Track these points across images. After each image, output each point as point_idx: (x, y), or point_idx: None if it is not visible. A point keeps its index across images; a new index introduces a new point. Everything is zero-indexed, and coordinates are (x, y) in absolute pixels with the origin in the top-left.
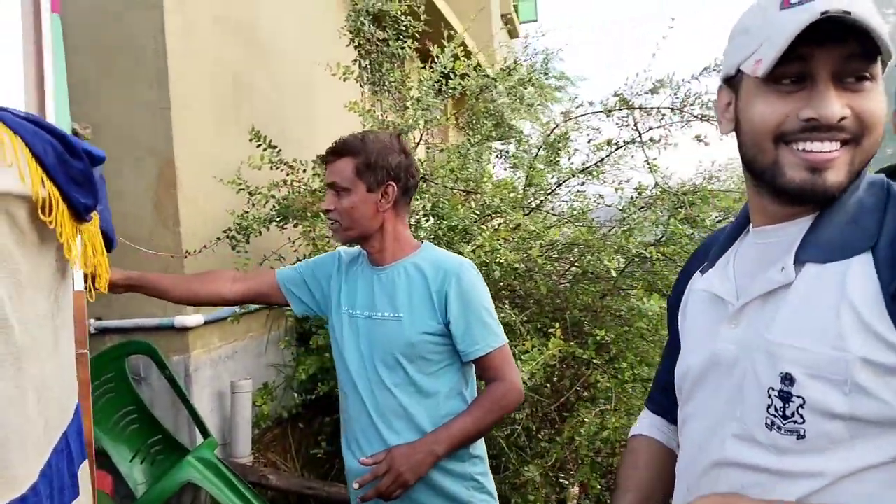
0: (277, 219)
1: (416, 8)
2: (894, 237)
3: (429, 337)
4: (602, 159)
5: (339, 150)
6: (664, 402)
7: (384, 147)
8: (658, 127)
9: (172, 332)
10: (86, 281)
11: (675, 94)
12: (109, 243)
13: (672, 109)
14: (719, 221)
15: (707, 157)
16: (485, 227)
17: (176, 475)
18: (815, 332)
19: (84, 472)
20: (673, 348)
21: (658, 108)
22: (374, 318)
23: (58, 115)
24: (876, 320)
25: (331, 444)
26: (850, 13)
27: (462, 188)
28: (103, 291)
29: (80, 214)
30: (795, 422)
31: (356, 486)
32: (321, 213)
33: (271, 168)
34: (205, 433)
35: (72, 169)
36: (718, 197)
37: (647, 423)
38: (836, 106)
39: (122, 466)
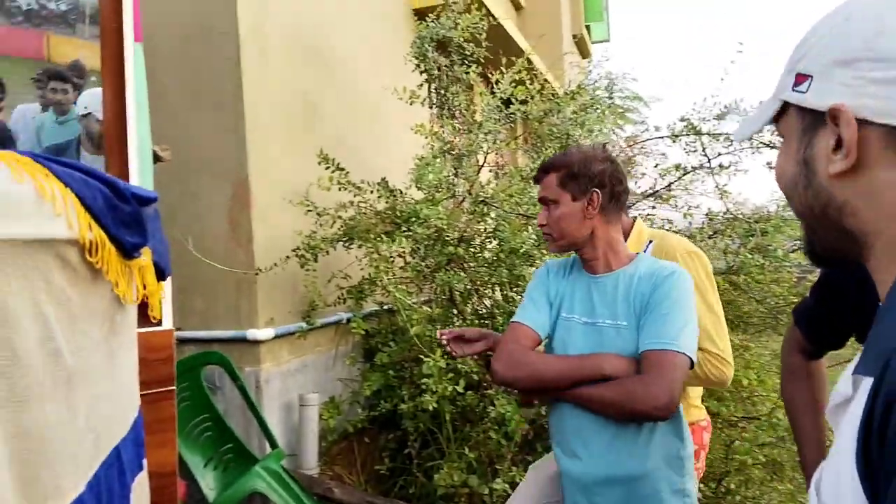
0: (343, 239)
1: (478, 35)
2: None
3: None
4: (670, 184)
5: (545, 167)
6: None
7: (586, 157)
8: (726, 153)
9: (245, 345)
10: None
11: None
12: (162, 275)
13: None
14: (793, 251)
15: None
16: (546, 251)
17: (244, 484)
18: (834, 482)
19: (139, 483)
20: None
21: (727, 134)
22: (595, 325)
23: (139, 139)
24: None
25: (394, 461)
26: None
27: (521, 213)
28: (157, 318)
29: (128, 252)
30: None
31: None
32: (382, 236)
33: (339, 189)
34: (273, 444)
35: (120, 212)
36: (792, 226)
37: None
38: None
39: (196, 472)
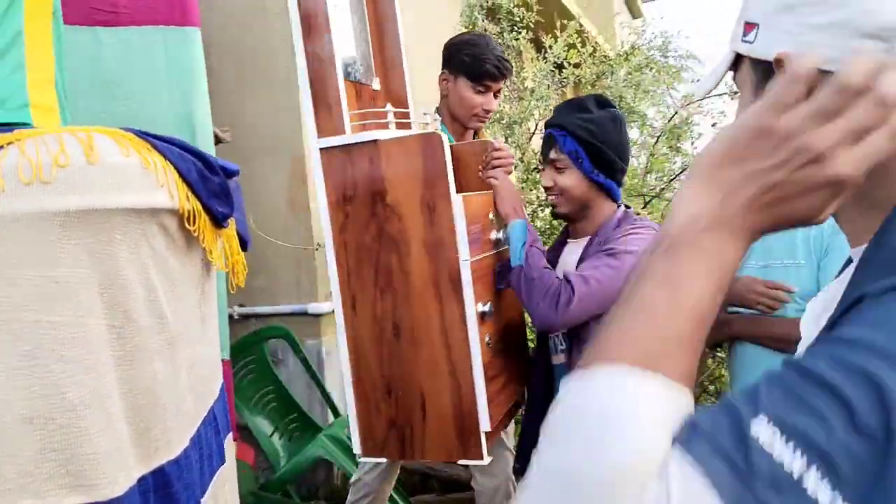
0: None
1: (528, 0)
2: None
3: None
4: None
5: None
6: None
7: None
8: None
9: (307, 318)
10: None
11: None
12: (244, 244)
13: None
14: None
15: None
16: None
17: (310, 451)
18: None
19: (229, 443)
20: None
21: None
22: (769, 268)
23: (201, 121)
24: None
25: None
26: None
27: None
28: (241, 286)
29: (218, 222)
30: None
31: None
32: None
33: None
34: (336, 413)
35: (211, 183)
36: None
37: None
38: None
39: (262, 441)
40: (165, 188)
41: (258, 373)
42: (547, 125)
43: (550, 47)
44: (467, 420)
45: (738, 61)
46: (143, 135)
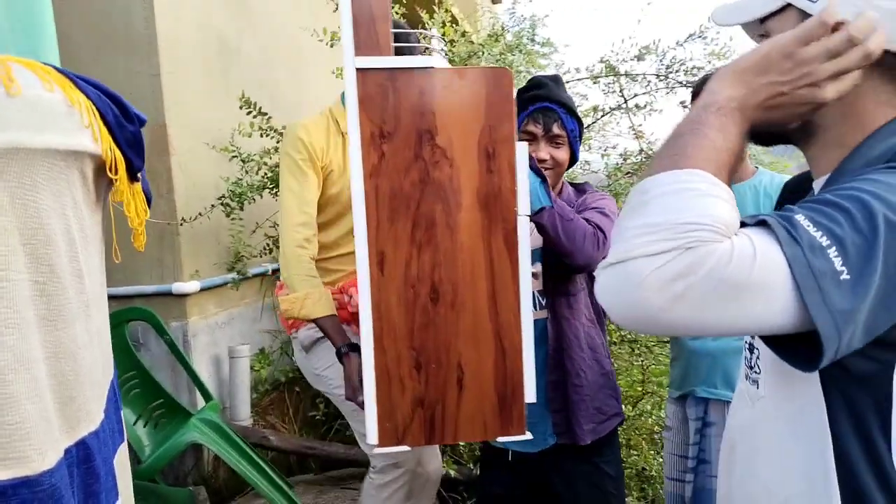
0: (269, 185)
1: None
2: None
3: None
4: (588, 126)
5: None
6: None
7: None
8: (644, 93)
9: (170, 299)
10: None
11: (661, 60)
12: (149, 202)
13: (657, 76)
14: None
15: None
16: None
17: (182, 436)
18: None
19: (124, 420)
20: None
21: (644, 74)
22: None
23: None
24: None
25: (328, 407)
26: None
27: None
28: (141, 250)
29: (133, 174)
30: (756, 372)
31: None
32: None
33: (261, 135)
34: (207, 396)
35: (126, 131)
36: None
37: None
38: None
39: (126, 430)
40: (90, 131)
41: (118, 358)
42: (539, 98)
43: (427, 23)
44: (511, 391)
45: (779, 10)
46: (63, 69)
